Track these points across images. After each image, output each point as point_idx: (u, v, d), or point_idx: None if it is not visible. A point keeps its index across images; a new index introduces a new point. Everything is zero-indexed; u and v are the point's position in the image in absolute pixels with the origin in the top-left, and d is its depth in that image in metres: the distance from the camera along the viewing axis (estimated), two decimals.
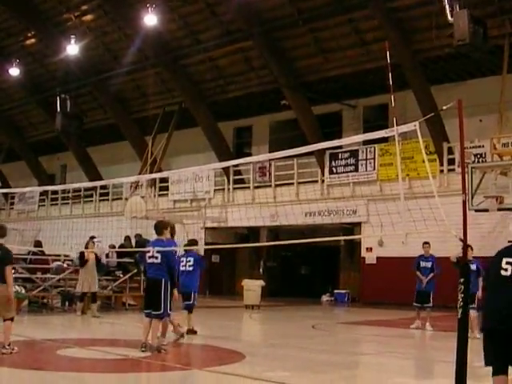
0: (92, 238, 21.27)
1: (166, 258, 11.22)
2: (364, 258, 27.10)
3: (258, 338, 13.98)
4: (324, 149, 26.23)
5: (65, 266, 20.34)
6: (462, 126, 7.47)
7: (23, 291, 18.14)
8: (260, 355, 11.97)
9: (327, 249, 29.94)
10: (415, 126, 7.92)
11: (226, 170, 30.97)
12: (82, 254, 18.37)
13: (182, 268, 13.41)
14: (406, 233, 8.50)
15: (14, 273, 18.72)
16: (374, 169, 26.87)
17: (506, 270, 5.71)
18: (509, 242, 9.29)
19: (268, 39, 28.04)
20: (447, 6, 20.62)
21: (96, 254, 18.52)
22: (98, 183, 27.85)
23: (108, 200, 37.08)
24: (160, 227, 11.65)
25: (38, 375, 9.11)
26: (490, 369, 5.77)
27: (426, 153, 23.87)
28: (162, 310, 10.99)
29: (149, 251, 11.45)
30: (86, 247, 18.89)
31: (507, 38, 23.05)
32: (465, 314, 7.34)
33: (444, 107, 7.99)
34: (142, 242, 19.59)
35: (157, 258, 11.21)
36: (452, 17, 20.45)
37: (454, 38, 20.40)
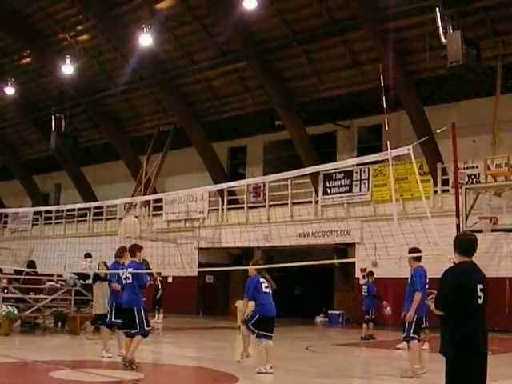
0: (87, 255, 21.06)
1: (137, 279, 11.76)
2: (358, 278, 26.98)
3: (251, 360, 13.86)
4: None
5: (58, 286, 20.22)
6: (456, 150, 7.48)
7: (16, 311, 18.04)
8: (253, 378, 11.88)
9: (321, 269, 29.78)
10: (409, 150, 7.93)
11: (220, 190, 30.95)
12: (95, 275, 17.43)
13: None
14: (399, 256, 8.45)
15: (6, 292, 18.85)
16: (368, 189, 26.89)
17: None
18: None
19: (262, 60, 28.15)
20: (441, 28, 20.77)
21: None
22: (91, 204, 27.76)
23: (102, 220, 36.99)
24: (134, 250, 12.15)
25: None
26: None
27: (420, 173, 23.95)
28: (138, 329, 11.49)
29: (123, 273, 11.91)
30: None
31: (500, 59, 23.25)
32: None
33: (438, 131, 8.03)
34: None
35: (129, 278, 11.73)
36: (445, 38, 20.59)
37: (448, 60, 20.51)
